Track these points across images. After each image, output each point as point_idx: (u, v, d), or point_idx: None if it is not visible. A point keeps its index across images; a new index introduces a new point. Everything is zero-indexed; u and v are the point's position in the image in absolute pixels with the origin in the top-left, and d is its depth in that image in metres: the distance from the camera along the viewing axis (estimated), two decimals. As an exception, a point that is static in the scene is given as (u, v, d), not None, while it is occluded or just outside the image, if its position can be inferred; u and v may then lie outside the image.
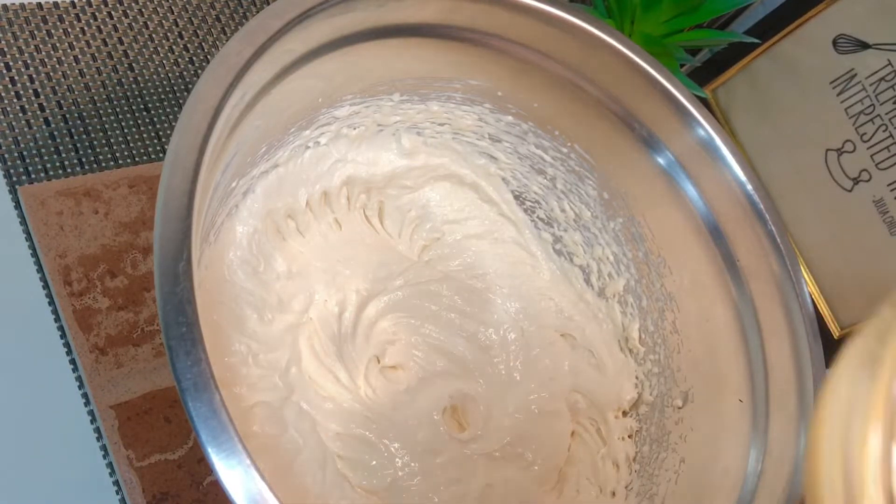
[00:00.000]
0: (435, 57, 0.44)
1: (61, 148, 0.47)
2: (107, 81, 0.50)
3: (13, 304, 0.43)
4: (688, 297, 0.47)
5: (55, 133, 0.47)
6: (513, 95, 0.47)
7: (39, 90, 0.48)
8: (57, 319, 0.43)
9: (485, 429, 0.46)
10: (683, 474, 0.44)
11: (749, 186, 0.43)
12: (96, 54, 0.51)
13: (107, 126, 0.49)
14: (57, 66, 0.49)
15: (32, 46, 0.49)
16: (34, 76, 0.48)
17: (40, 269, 0.43)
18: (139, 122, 0.50)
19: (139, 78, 0.51)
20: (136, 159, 0.49)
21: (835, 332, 0.56)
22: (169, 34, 0.54)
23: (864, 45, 0.53)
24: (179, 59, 0.53)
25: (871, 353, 0.22)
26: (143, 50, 0.52)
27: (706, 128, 0.44)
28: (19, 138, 0.46)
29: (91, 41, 0.51)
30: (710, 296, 0.45)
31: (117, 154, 0.49)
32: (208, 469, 0.41)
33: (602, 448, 0.48)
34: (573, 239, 0.52)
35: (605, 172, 0.48)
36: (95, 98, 0.49)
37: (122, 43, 0.52)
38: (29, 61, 0.48)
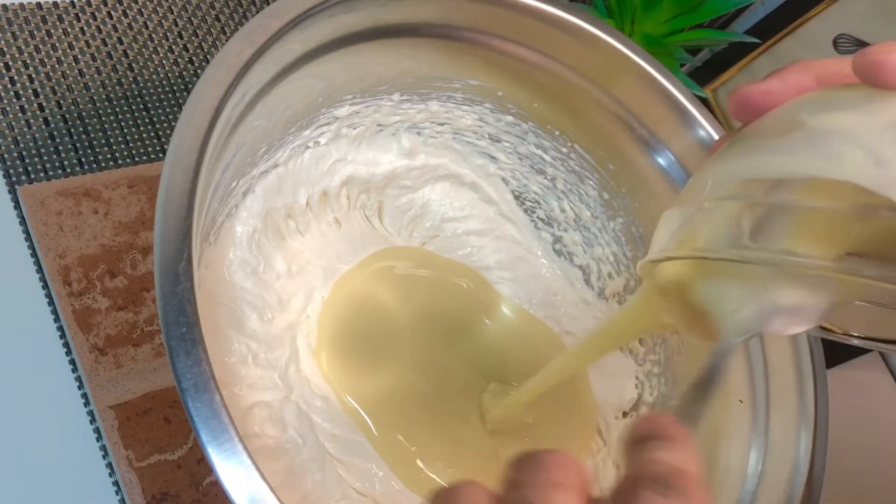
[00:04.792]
0: (435, 57, 0.44)
1: (61, 148, 0.47)
2: (106, 81, 0.50)
3: (13, 305, 0.42)
4: (688, 297, 0.47)
5: (54, 133, 0.47)
6: (513, 95, 0.47)
7: (39, 90, 0.48)
8: (56, 319, 0.43)
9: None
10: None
11: (749, 186, 0.43)
12: (96, 54, 0.51)
13: (106, 126, 0.49)
14: (56, 65, 0.49)
15: (32, 46, 0.49)
16: (33, 76, 0.48)
17: (40, 270, 0.43)
18: (139, 122, 0.50)
19: (139, 78, 0.51)
20: (136, 159, 0.49)
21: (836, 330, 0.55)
22: (169, 34, 0.54)
23: (864, 45, 0.53)
24: (179, 59, 0.53)
25: None
26: (143, 50, 0.52)
27: (706, 128, 0.44)
28: (19, 138, 0.46)
29: (91, 41, 0.51)
30: (710, 296, 0.45)
31: (117, 154, 0.48)
32: (208, 469, 0.41)
33: (602, 449, 0.48)
34: (573, 239, 0.52)
35: (605, 172, 0.48)
36: (95, 98, 0.49)
37: (121, 43, 0.52)
38: (28, 61, 0.48)
